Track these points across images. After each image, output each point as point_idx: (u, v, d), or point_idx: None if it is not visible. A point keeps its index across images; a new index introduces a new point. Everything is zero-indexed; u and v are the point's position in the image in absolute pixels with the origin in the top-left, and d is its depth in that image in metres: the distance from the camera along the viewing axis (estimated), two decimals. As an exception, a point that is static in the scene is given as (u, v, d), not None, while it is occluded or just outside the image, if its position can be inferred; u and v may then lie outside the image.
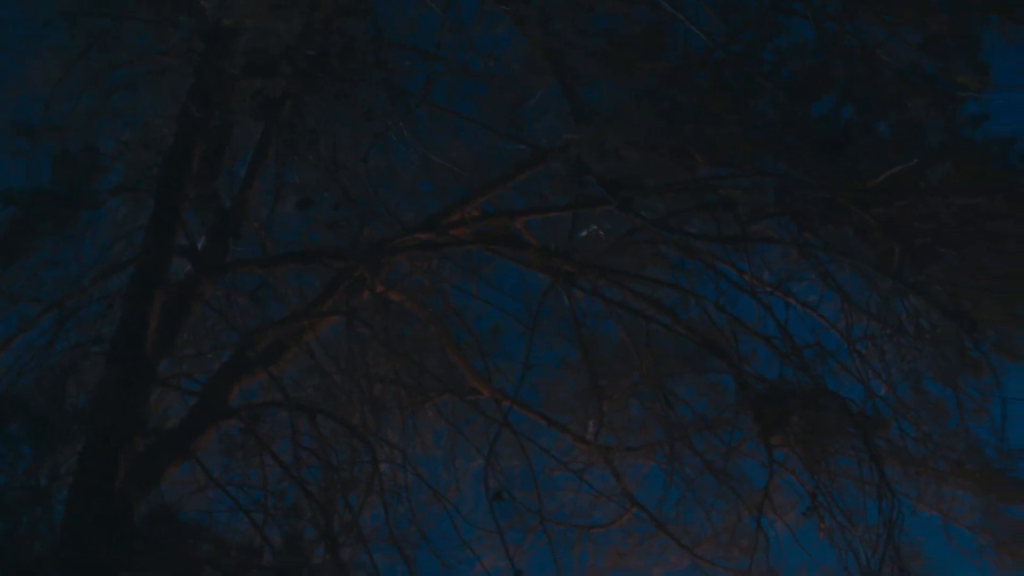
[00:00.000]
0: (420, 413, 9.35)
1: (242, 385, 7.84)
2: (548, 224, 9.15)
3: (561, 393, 9.68)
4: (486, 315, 9.48)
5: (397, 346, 8.61)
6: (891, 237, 7.71)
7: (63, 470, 6.74)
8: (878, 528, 8.86)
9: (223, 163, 8.05)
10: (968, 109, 7.67)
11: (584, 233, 9.18)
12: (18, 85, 7.93)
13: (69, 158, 7.43)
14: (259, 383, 8.09)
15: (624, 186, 6.81)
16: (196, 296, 7.78)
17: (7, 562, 6.12)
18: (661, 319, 8.77)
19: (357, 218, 8.00)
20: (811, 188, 7.74)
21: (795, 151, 7.85)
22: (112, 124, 7.91)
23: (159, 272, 7.52)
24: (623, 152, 6.64)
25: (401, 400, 8.63)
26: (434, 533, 9.21)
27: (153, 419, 7.55)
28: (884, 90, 7.44)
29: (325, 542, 6.64)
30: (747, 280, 8.54)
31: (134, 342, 7.26)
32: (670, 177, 8.40)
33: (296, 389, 8.19)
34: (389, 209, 8.37)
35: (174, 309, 7.58)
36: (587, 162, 6.71)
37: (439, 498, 7.72)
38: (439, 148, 8.45)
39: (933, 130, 7.64)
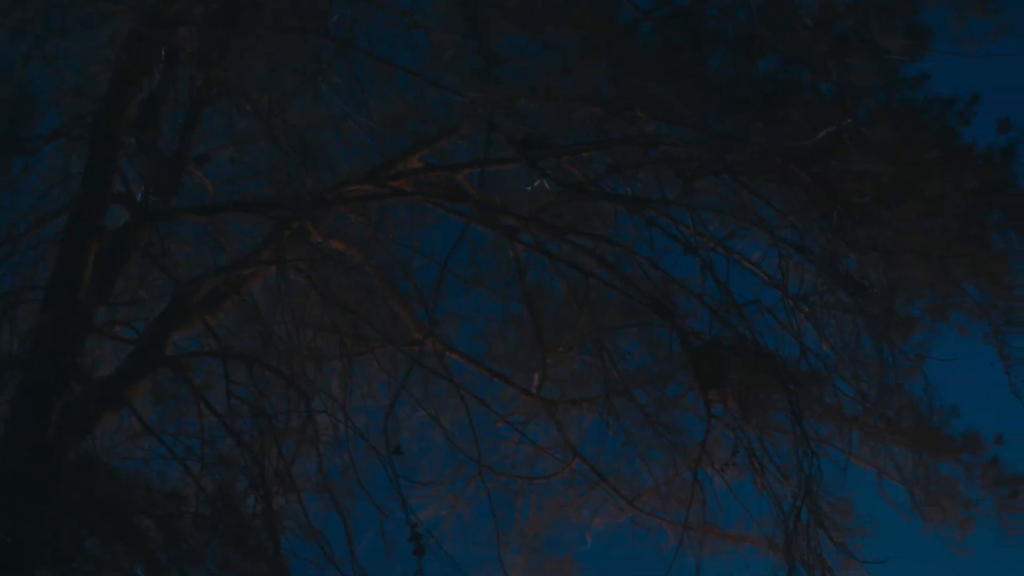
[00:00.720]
0: (363, 364, 9.36)
1: (179, 334, 7.84)
2: (495, 176, 9.14)
3: (505, 346, 9.71)
4: (430, 268, 9.47)
5: (338, 297, 8.59)
6: (829, 196, 7.77)
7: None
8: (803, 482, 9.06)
9: (163, 111, 7.96)
10: (909, 70, 7.73)
11: (530, 187, 9.19)
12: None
13: (2, 104, 7.34)
14: (197, 332, 8.09)
15: (532, 144, 6.82)
16: (133, 244, 7.74)
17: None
18: (601, 274, 8.83)
19: (298, 169, 7.95)
20: (751, 145, 7.77)
21: (737, 109, 7.87)
22: (48, 69, 7.78)
23: (95, 219, 7.46)
24: (544, 108, 6.63)
25: (342, 350, 8.64)
26: (373, 484, 9.34)
27: (88, 367, 7.53)
28: (824, 50, 7.46)
29: (257, 491, 6.68)
30: (690, 235, 8.60)
31: (69, 289, 7.22)
32: (612, 133, 8.45)
33: (235, 340, 8.18)
34: (331, 160, 8.31)
35: (110, 257, 7.54)
36: (498, 120, 6.71)
37: (372, 448, 7.75)
38: (383, 100, 8.39)
39: (873, 91, 7.68)
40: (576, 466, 9.70)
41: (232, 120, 8.17)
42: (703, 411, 8.76)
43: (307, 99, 7.72)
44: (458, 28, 7.20)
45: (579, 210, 9.14)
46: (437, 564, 9.97)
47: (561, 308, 9.55)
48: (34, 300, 7.45)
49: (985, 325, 7.82)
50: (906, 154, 7.47)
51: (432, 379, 9.35)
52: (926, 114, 7.75)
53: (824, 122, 7.47)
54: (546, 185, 8.71)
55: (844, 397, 8.73)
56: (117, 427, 7.63)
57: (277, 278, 8.22)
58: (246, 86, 7.54)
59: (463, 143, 8.85)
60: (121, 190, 7.85)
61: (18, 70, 7.46)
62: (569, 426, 9.65)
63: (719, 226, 8.74)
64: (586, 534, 10.09)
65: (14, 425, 6.85)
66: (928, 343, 8.48)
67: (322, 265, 8.34)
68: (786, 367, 8.49)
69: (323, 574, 6.68)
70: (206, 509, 6.58)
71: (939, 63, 7.64)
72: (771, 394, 8.65)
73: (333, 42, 7.51)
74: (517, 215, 8.36)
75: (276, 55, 7.30)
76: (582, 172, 8.72)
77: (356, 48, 7.98)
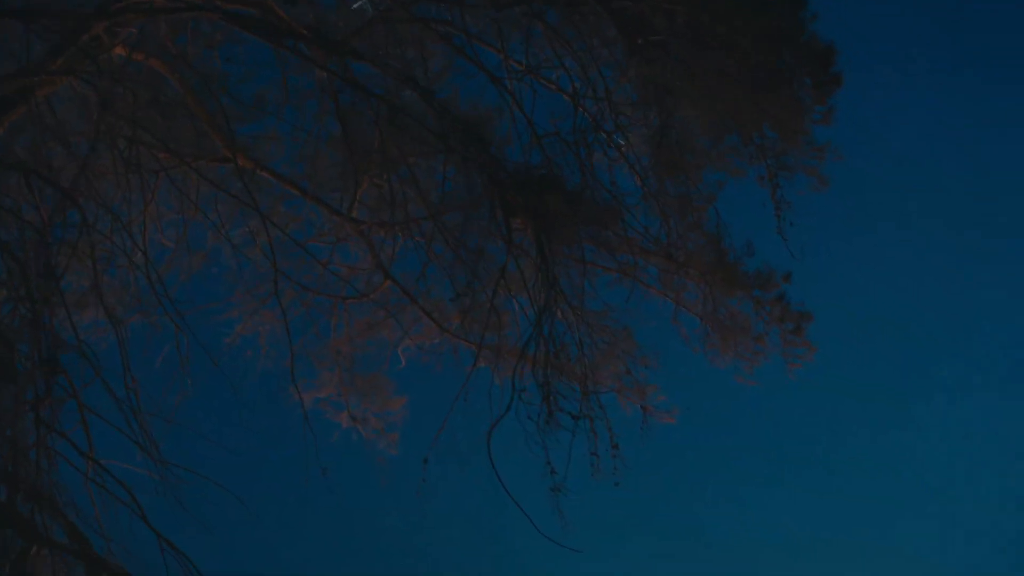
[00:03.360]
0: (178, 181, 9.26)
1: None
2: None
3: (320, 167, 9.67)
4: (244, 86, 9.31)
5: (141, 110, 8.42)
6: (624, 31, 7.77)
7: None
8: (606, 313, 9.38)
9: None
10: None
11: (355, 5, 9.01)
12: None
13: None
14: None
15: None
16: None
17: None
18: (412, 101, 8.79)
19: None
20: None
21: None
22: None
23: None
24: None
25: (144, 165, 8.52)
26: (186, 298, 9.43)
27: None
28: None
29: (19, 305, 6.67)
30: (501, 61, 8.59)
31: None
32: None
33: (23, 151, 8.00)
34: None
35: None
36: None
37: (148, 263, 7.75)
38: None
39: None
40: (389, 288, 9.87)
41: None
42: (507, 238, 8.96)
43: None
44: None
45: (395, 35, 9.01)
46: (253, 381, 10.28)
47: (375, 132, 9.49)
48: None
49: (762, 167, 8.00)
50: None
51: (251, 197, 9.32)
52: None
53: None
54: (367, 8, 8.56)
55: (646, 232, 8.93)
56: None
57: (69, 89, 8.00)
58: None
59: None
60: None
61: None
62: (381, 248, 9.74)
63: (529, 57, 8.73)
64: (399, 353, 10.31)
65: None
66: (722, 183, 8.70)
67: (118, 77, 8.12)
68: (584, 199, 8.65)
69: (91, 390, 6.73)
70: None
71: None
72: (570, 224, 8.84)
73: None
74: (318, 38, 8.18)
75: None
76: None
77: None
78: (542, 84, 8.74)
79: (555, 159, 8.67)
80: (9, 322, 6.72)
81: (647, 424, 9.02)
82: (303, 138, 9.58)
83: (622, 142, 9.14)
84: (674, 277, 9.30)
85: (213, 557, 7.26)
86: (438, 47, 8.86)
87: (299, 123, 9.49)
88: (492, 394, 7.89)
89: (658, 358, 9.24)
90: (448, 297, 9.78)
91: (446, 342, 9.94)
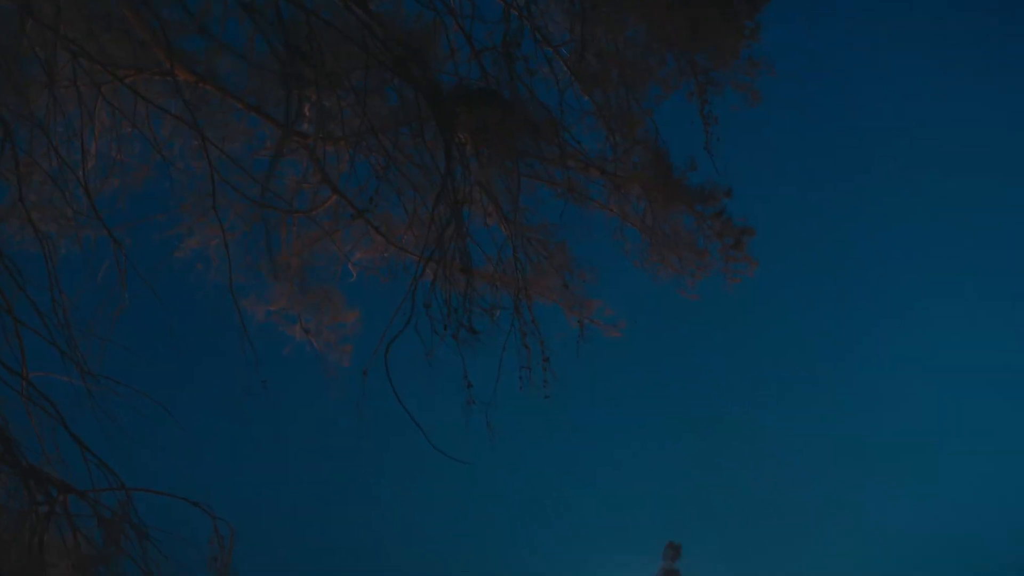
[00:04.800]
0: (117, 94, 9.25)
1: None
2: None
3: (265, 81, 9.64)
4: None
5: (74, 20, 8.38)
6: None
7: None
8: (544, 227, 9.45)
9: None
10: None
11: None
12: None
13: None
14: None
15: None
16: None
17: None
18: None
19: None
20: None
21: None
22: None
23: None
24: None
25: (80, 78, 8.52)
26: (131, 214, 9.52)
27: None
28: None
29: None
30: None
31: None
32: None
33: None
34: None
35: None
36: None
37: (75, 175, 7.78)
38: None
39: None
40: (337, 202, 9.91)
41: None
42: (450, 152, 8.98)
43: None
44: None
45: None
46: (208, 292, 10.37)
47: (328, 44, 9.43)
48: None
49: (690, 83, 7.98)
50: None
51: (197, 110, 9.32)
52: None
53: None
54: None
55: (579, 146, 8.94)
56: None
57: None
58: None
59: None
60: None
61: None
62: (328, 163, 9.76)
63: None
64: (350, 267, 10.40)
65: None
66: (662, 97, 8.67)
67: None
68: (520, 112, 8.65)
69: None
70: None
71: None
72: (506, 137, 8.85)
73: None
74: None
75: None
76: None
77: None
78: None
79: (493, 73, 8.64)
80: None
81: (584, 338, 9.13)
82: (246, 52, 9.52)
83: (556, 55, 9.11)
84: (616, 192, 9.34)
85: (147, 473, 7.45)
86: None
87: (243, 36, 9.43)
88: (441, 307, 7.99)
89: (596, 273, 9.31)
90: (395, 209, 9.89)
91: (395, 254, 10.04)
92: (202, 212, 9.84)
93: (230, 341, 9.22)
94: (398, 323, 8.71)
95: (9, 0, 7.29)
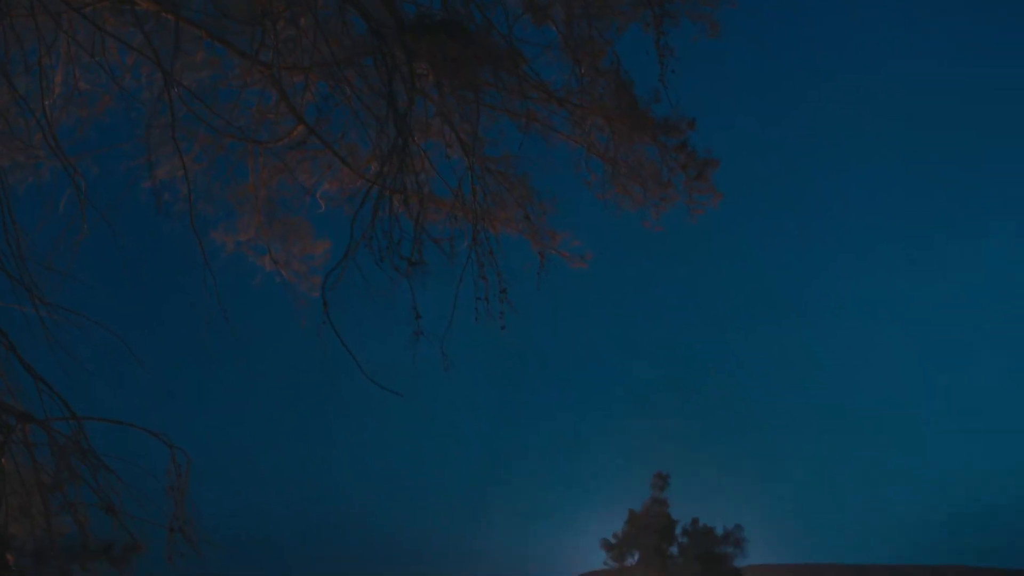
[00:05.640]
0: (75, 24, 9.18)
1: None
2: None
3: (230, 10, 9.56)
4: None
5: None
6: None
7: None
8: (507, 158, 9.45)
9: None
10: None
11: None
12: None
13: None
14: None
15: None
16: None
17: None
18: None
19: None
20: None
21: None
22: None
23: None
24: None
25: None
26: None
27: None
28: None
29: None
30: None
31: None
32: None
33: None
34: None
35: None
36: None
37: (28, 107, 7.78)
38: None
39: None
40: (304, 132, 9.90)
41: None
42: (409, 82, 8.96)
43: None
44: None
45: None
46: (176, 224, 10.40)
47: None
48: None
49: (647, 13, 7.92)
50: None
51: (159, 40, 9.27)
52: None
53: None
54: None
55: (538, 76, 8.91)
56: None
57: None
58: None
59: None
60: None
61: None
62: (295, 94, 9.73)
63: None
64: (318, 198, 10.42)
65: None
66: (622, 29, 8.62)
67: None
68: (487, 42, 8.61)
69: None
70: None
71: None
72: (471, 68, 8.82)
73: None
74: None
75: None
76: None
77: None
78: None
79: (456, 5, 8.59)
80: None
81: (544, 270, 9.18)
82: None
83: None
84: (580, 123, 9.33)
85: (106, 406, 7.53)
86: None
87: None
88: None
89: (555, 204, 9.34)
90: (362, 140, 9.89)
91: (363, 184, 10.04)
92: (167, 143, 9.82)
93: (195, 273, 9.30)
94: (362, 255, 8.79)
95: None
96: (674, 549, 33.22)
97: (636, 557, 33.30)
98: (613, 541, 33.44)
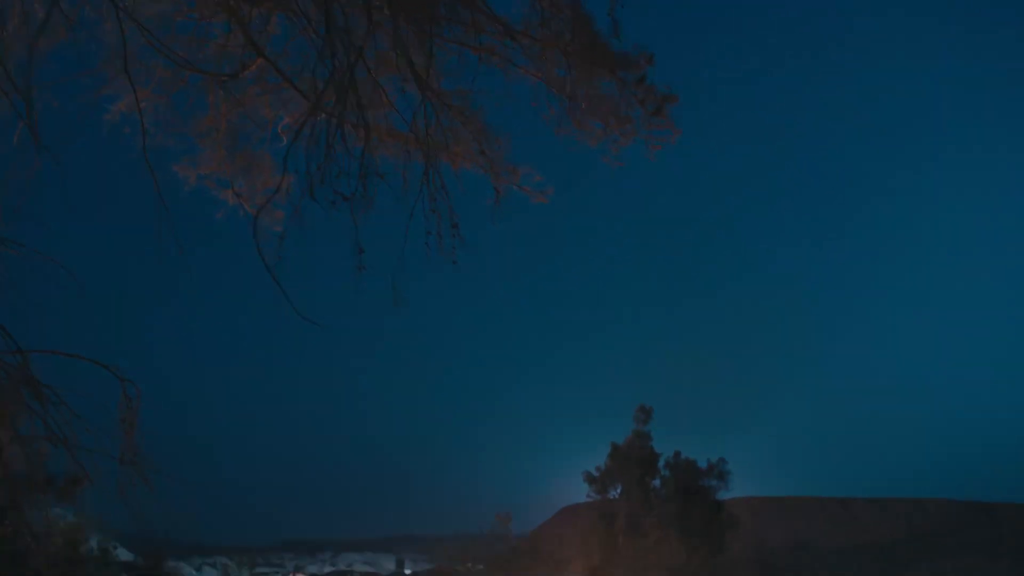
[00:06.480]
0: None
1: None
2: None
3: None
4: None
5: None
6: None
7: None
8: (462, 92, 9.42)
9: None
10: None
11: None
12: None
13: None
14: None
15: None
16: None
17: None
18: None
19: None
20: None
21: None
22: None
23: None
24: None
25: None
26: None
27: None
28: None
29: None
30: None
31: None
32: None
33: None
34: None
35: None
36: None
37: None
38: None
39: None
40: (264, 66, 9.84)
41: None
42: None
43: None
44: None
45: None
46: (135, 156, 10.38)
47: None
48: None
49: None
50: None
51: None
52: None
53: None
54: None
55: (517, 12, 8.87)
56: None
57: None
58: None
59: None
60: None
61: None
62: (254, 27, 9.65)
63: None
64: (279, 132, 10.39)
65: None
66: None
67: None
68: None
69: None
70: None
71: None
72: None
73: None
74: None
75: None
76: None
77: None
78: None
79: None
80: None
81: (499, 205, 9.20)
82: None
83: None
84: (539, 57, 9.27)
85: (54, 339, 7.59)
86: None
87: None
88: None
89: (510, 139, 9.33)
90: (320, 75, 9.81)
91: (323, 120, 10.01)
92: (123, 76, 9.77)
93: (151, 205, 9.32)
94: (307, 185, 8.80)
95: None
96: (656, 482, 33.70)
97: (619, 490, 33.79)
98: (596, 474, 33.91)
